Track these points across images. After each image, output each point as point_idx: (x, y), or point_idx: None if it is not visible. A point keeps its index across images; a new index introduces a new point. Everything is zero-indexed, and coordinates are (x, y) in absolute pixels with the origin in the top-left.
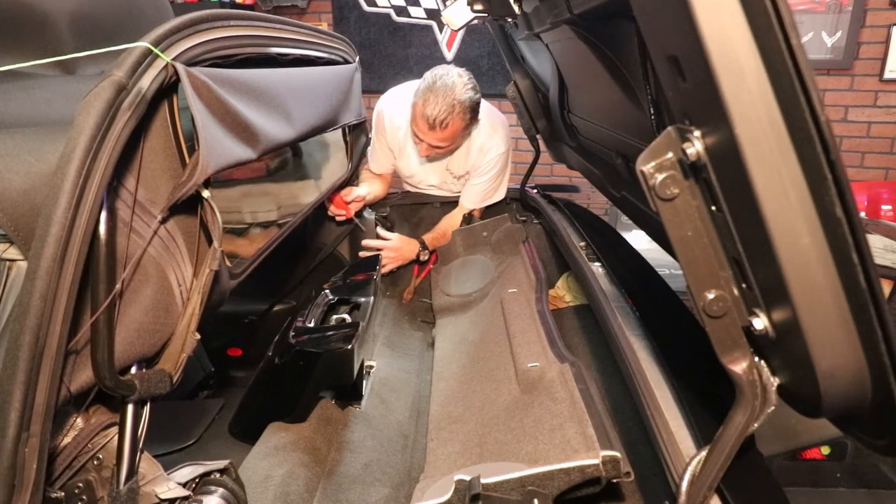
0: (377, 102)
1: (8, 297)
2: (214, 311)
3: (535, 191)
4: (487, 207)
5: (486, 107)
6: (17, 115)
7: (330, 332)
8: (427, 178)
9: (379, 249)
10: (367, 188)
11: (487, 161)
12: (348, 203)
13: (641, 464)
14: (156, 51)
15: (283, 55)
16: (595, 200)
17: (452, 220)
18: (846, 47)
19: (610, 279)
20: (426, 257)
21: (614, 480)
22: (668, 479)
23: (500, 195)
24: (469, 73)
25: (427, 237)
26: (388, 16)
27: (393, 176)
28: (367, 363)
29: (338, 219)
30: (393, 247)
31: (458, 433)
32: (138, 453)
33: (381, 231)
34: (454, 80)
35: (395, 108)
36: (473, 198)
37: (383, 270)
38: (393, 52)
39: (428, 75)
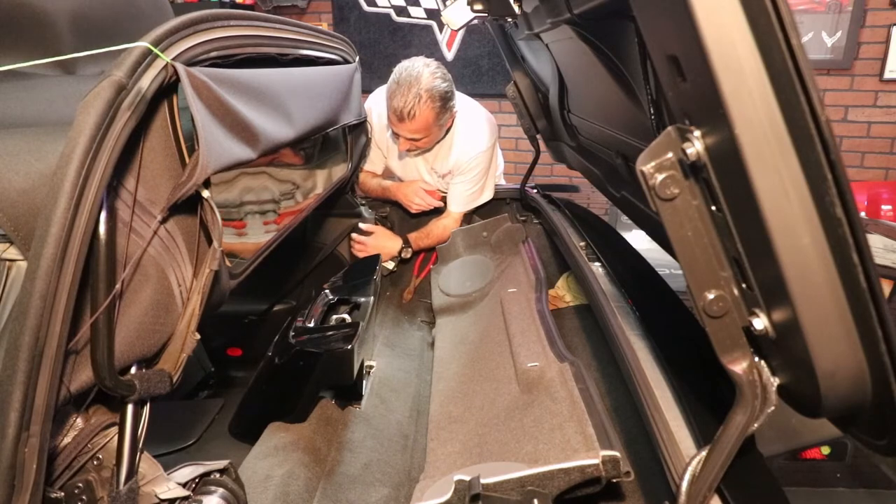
0: (366, 101)
1: (8, 297)
2: (214, 311)
3: (535, 191)
4: (487, 207)
5: (468, 104)
6: (17, 115)
7: (330, 332)
8: (414, 178)
9: (361, 242)
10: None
11: (469, 159)
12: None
13: (641, 464)
14: (156, 51)
15: (283, 55)
16: (595, 200)
17: (440, 223)
18: (846, 47)
19: (610, 279)
20: (408, 255)
21: (614, 480)
22: (668, 479)
23: (487, 196)
24: (438, 64)
25: (412, 235)
26: (388, 16)
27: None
28: (367, 363)
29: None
30: (373, 243)
31: (458, 433)
32: (138, 453)
33: (363, 225)
34: (419, 71)
35: (382, 107)
36: (459, 199)
37: (359, 255)
38: (393, 52)
39: (396, 69)
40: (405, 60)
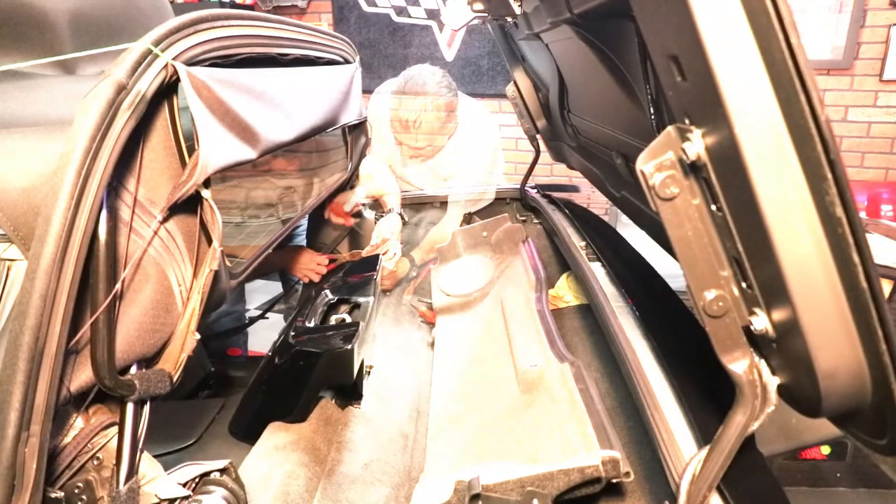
0: (367, 101)
1: (8, 297)
2: (214, 310)
3: (535, 191)
4: (487, 207)
5: (470, 105)
6: (17, 115)
7: (330, 332)
8: (414, 180)
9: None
10: (365, 190)
11: (470, 162)
12: (349, 213)
13: (641, 464)
14: (156, 50)
15: (283, 55)
16: (595, 200)
17: (440, 231)
18: (846, 47)
19: (610, 279)
20: (415, 273)
21: (614, 480)
22: (668, 479)
23: (488, 198)
24: (444, 72)
25: (416, 253)
26: (388, 16)
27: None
28: (367, 363)
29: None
30: (399, 275)
31: (458, 433)
32: (138, 453)
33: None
34: (425, 80)
35: (375, 110)
36: (460, 200)
37: (386, 287)
38: (393, 52)
39: (401, 77)
40: (410, 68)
